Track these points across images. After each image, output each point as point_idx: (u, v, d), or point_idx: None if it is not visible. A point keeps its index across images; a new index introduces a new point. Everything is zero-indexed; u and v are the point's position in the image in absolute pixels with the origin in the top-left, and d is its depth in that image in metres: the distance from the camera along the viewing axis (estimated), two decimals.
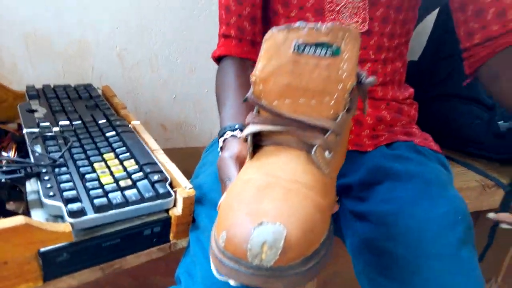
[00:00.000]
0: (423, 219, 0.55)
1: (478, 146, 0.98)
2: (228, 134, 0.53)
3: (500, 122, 0.91)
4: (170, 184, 0.56)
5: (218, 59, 0.73)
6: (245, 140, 0.41)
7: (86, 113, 0.72)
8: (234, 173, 0.43)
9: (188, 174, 0.60)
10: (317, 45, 0.37)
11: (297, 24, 0.38)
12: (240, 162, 0.45)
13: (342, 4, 0.66)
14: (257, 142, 0.41)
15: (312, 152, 0.38)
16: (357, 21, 0.67)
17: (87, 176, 0.54)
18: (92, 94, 0.81)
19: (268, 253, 0.31)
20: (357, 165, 0.64)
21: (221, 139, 0.54)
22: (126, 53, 0.93)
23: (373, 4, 0.66)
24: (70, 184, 0.51)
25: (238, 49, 0.71)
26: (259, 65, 0.40)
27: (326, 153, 0.38)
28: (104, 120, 0.70)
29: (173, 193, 0.54)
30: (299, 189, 0.35)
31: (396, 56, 0.74)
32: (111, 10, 0.88)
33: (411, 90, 0.79)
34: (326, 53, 0.37)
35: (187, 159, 1.01)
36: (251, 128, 0.40)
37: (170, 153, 1.04)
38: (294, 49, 0.38)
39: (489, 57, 0.66)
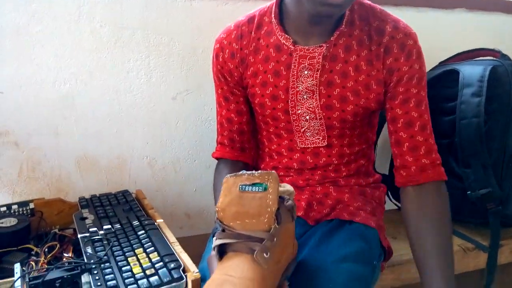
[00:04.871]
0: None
1: (457, 213, 1.11)
2: None
3: (469, 192, 1.05)
4: (183, 269, 0.74)
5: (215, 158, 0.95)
6: (214, 249, 0.62)
7: (123, 216, 0.94)
8: None
9: None
10: (253, 185, 0.61)
11: (241, 172, 0.62)
12: None
13: (306, 127, 0.85)
14: (224, 250, 0.62)
15: (254, 255, 0.58)
16: (318, 138, 0.86)
17: (123, 268, 0.73)
18: (127, 198, 1.03)
19: None
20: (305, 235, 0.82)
21: (214, 239, 0.70)
22: (154, 161, 1.18)
23: (329, 127, 0.85)
24: (112, 276, 0.71)
25: (231, 154, 0.92)
26: (220, 199, 0.63)
27: (264, 254, 0.58)
28: (137, 221, 0.91)
29: (184, 277, 0.72)
30: (243, 282, 0.56)
31: (359, 157, 0.90)
32: (141, 132, 1.15)
33: (377, 176, 0.95)
34: (258, 189, 0.61)
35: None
36: (217, 242, 0.62)
37: (194, 238, 1.24)
38: (240, 189, 0.61)
39: (404, 185, 0.82)
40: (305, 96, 0.82)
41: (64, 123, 1.06)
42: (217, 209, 0.62)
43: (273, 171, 0.61)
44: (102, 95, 1.08)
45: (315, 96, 0.81)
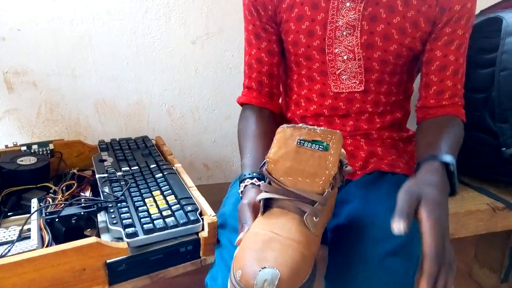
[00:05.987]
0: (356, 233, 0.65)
1: (489, 171, 1.05)
2: (248, 182, 0.67)
3: (503, 149, 0.98)
4: (200, 213, 0.73)
5: (241, 104, 0.88)
6: (259, 202, 0.56)
7: (142, 160, 0.93)
8: (249, 218, 0.57)
9: None
10: (313, 141, 0.55)
11: (300, 125, 0.56)
12: (254, 208, 0.58)
13: (342, 69, 0.79)
14: (268, 204, 0.56)
15: (304, 217, 0.53)
16: (355, 82, 0.80)
17: (140, 208, 0.72)
18: (147, 144, 1.02)
19: (268, 287, 0.46)
20: (344, 189, 0.76)
21: (242, 185, 0.67)
22: (173, 109, 1.15)
23: (368, 69, 0.78)
24: (128, 215, 0.70)
25: (258, 100, 0.86)
26: (272, 150, 0.57)
27: (314, 218, 0.53)
28: (155, 165, 0.90)
29: (201, 220, 0.71)
30: (291, 244, 0.51)
31: (395, 108, 0.85)
32: (160, 78, 1.11)
33: (411, 132, 0.89)
34: (319, 148, 0.55)
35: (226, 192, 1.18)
36: (263, 195, 0.56)
37: (212, 187, 1.23)
38: (297, 143, 0.55)
39: (423, 120, 0.80)
40: (344, 33, 0.76)
41: (82, 64, 1.04)
42: (268, 159, 0.56)
43: (338, 131, 0.56)
44: (119, 35, 1.04)
45: (356, 32, 0.76)
